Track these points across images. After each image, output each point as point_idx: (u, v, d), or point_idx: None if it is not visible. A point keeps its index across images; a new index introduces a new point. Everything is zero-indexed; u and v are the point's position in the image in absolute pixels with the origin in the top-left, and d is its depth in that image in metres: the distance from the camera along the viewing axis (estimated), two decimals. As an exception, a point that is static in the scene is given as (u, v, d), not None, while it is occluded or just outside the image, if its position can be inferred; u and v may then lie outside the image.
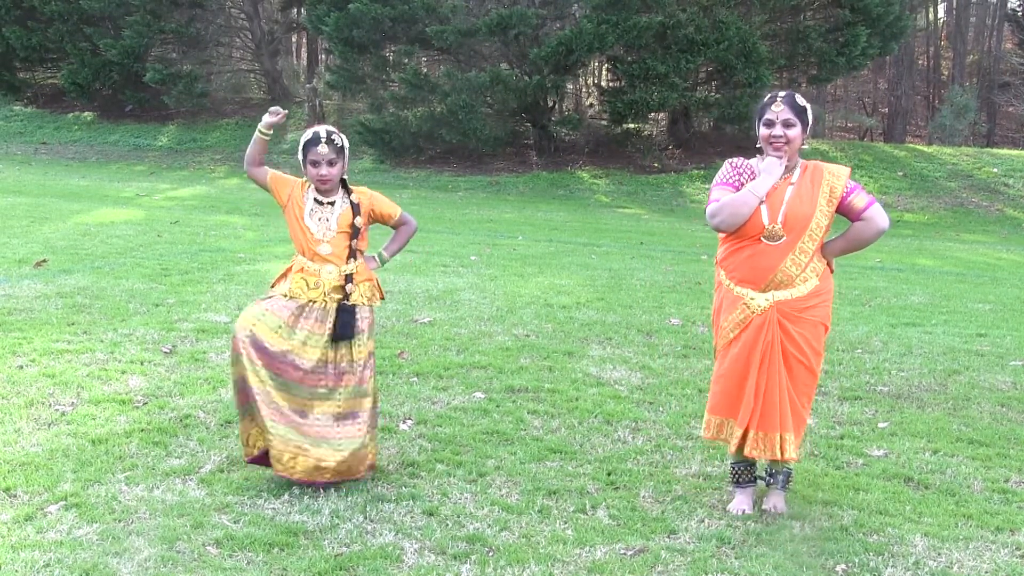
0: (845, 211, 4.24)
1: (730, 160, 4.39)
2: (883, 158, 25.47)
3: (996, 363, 7.38)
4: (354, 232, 4.54)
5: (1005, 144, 31.36)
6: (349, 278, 4.50)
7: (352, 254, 4.53)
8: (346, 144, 4.57)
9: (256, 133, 4.51)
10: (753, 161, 4.34)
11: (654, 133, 27.02)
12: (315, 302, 4.45)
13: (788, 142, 4.17)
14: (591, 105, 29.36)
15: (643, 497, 4.52)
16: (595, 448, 5.14)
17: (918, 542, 4.13)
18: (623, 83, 24.71)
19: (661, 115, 26.72)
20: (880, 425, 5.70)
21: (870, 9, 23.89)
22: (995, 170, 24.14)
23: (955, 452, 5.29)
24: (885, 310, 9.49)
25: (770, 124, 4.19)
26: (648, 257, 12.69)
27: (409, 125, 24.42)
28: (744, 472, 4.44)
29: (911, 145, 28.94)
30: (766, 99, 4.27)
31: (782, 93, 4.26)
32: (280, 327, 4.39)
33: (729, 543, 4.06)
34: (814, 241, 4.20)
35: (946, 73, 38.69)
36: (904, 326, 8.71)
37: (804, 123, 4.20)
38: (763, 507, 4.38)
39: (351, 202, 4.57)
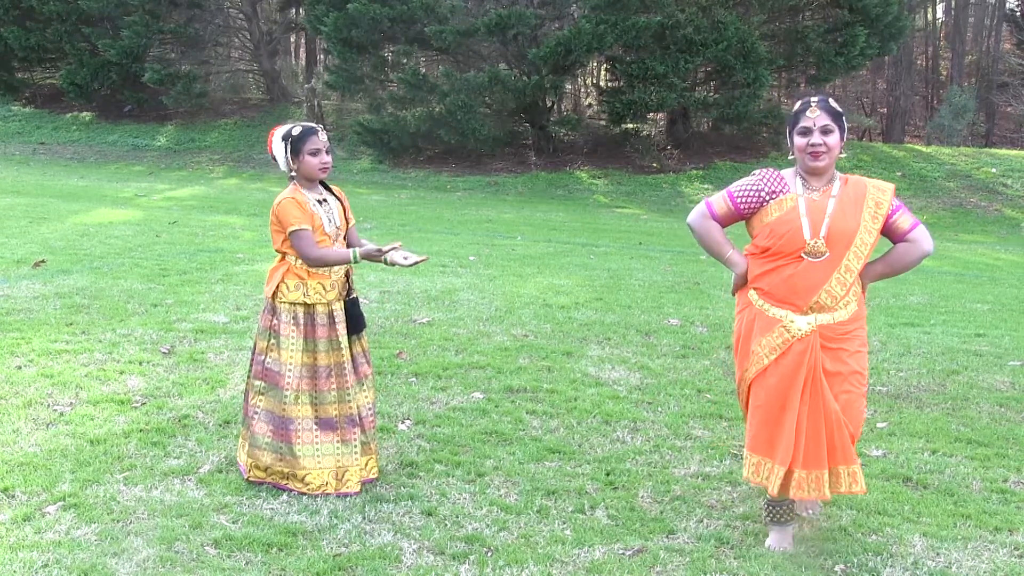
0: (888, 231, 3.93)
1: (761, 172, 4.03)
2: (882, 158, 25.49)
3: (994, 363, 7.38)
4: (347, 225, 4.55)
5: (1003, 144, 31.38)
6: (348, 272, 4.54)
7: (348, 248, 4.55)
8: None
9: (351, 257, 4.30)
10: (786, 172, 4.00)
11: (653, 133, 27.02)
12: (326, 306, 4.42)
13: (828, 150, 3.85)
14: (590, 105, 29.38)
15: (642, 497, 4.51)
16: (594, 448, 5.14)
17: (917, 542, 4.13)
18: (622, 83, 24.72)
19: (660, 115, 26.73)
20: (879, 425, 5.70)
21: (869, 9, 23.91)
22: (993, 170, 24.16)
23: (954, 452, 5.29)
24: (884, 310, 9.49)
25: (806, 132, 3.86)
26: (647, 257, 12.70)
27: (408, 125, 24.42)
28: (783, 512, 4.05)
29: (910, 145, 28.96)
30: (798, 106, 3.94)
31: (815, 98, 3.92)
32: (299, 392, 4.41)
33: (728, 543, 4.06)
34: (859, 259, 3.86)
35: (945, 73, 38.73)
36: (903, 326, 8.71)
37: (841, 128, 3.89)
38: (799, 511, 4.11)
39: (336, 196, 4.57)
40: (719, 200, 4.06)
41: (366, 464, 4.52)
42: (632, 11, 22.54)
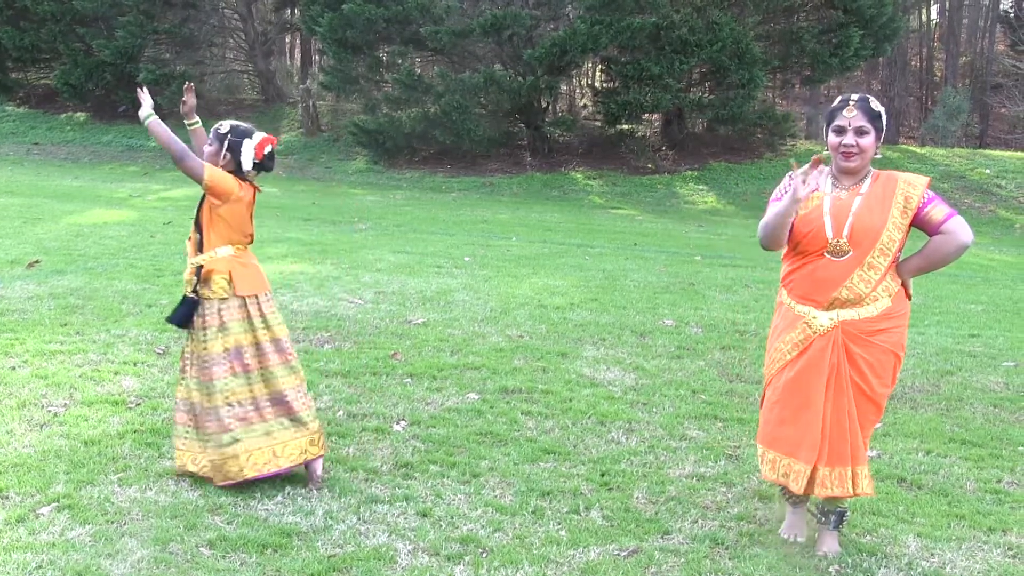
0: (922, 224, 3.82)
1: (791, 173, 3.88)
2: (876, 160, 25.50)
3: (988, 364, 7.40)
4: (196, 224, 4.48)
5: (997, 145, 31.43)
6: (198, 271, 4.44)
7: (200, 246, 4.46)
8: (230, 134, 4.51)
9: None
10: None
11: (648, 134, 27.04)
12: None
13: (861, 152, 3.78)
14: (585, 106, 29.39)
15: (637, 498, 4.52)
16: (589, 449, 5.14)
17: (911, 542, 4.14)
18: (617, 84, 24.74)
19: (655, 116, 26.75)
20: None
21: (863, 10, 23.96)
22: (987, 171, 24.21)
23: (948, 453, 5.30)
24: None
25: (840, 131, 3.79)
26: (642, 258, 12.70)
27: (403, 126, 24.42)
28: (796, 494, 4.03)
29: (904, 146, 29.01)
30: (836, 103, 3.87)
31: (855, 96, 3.84)
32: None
33: (723, 544, 4.06)
34: (886, 256, 3.78)
35: (939, 74, 38.79)
36: (897, 327, 8.71)
37: (878, 130, 3.81)
38: (817, 551, 4.00)
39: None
40: (768, 210, 3.94)
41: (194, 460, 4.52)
42: (627, 12, 22.56)
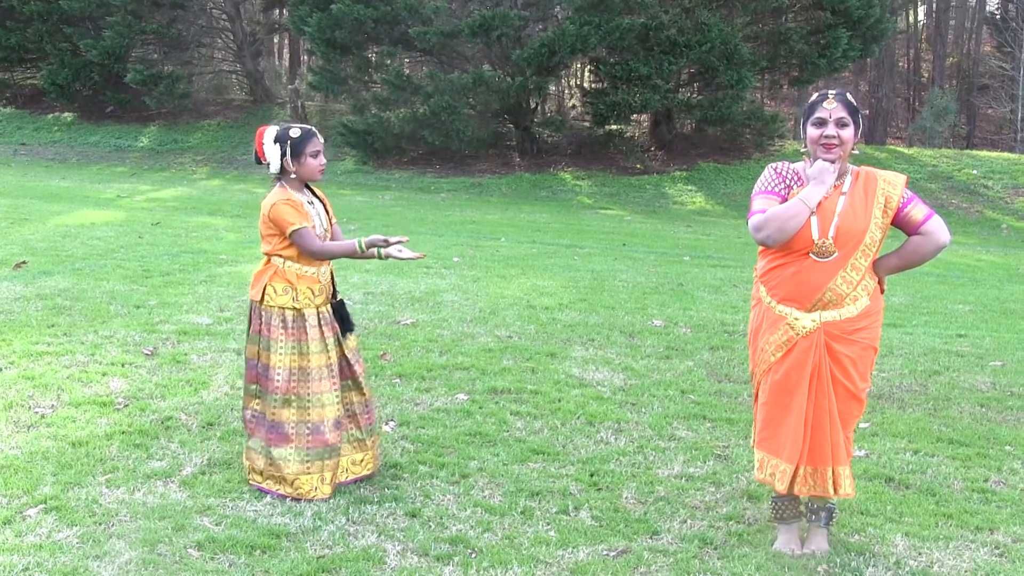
0: (901, 224, 3.85)
1: (772, 165, 3.96)
2: (864, 160, 25.51)
3: (976, 364, 7.43)
4: (331, 226, 4.60)
5: (984, 146, 31.60)
6: (332, 273, 4.55)
7: None
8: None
9: (356, 248, 4.37)
10: (798, 166, 3.92)
11: (636, 135, 27.08)
12: (315, 309, 4.40)
13: (841, 143, 3.76)
14: (574, 107, 29.42)
15: (626, 498, 4.52)
16: (578, 449, 5.15)
17: (899, 542, 4.15)
18: (605, 84, 24.77)
19: (643, 117, 26.79)
20: (861, 425, 5.72)
21: (851, 11, 24.05)
22: (975, 172, 24.31)
23: (935, 452, 5.32)
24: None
25: (821, 123, 3.77)
26: (630, 258, 12.72)
27: (392, 126, 24.40)
28: (788, 507, 4.05)
29: (892, 147, 29.12)
30: (815, 97, 3.85)
31: (833, 91, 3.83)
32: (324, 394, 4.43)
33: (711, 544, 4.07)
34: (867, 257, 3.80)
35: (926, 75, 38.97)
36: (885, 327, 8.71)
37: (857, 124, 3.80)
38: (805, 548, 4.02)
39: (319, 198, 4.59)
40: (759, 202, 3.87)
41: (360, 460, 4.54)
42: (616, 12, 22.59)
